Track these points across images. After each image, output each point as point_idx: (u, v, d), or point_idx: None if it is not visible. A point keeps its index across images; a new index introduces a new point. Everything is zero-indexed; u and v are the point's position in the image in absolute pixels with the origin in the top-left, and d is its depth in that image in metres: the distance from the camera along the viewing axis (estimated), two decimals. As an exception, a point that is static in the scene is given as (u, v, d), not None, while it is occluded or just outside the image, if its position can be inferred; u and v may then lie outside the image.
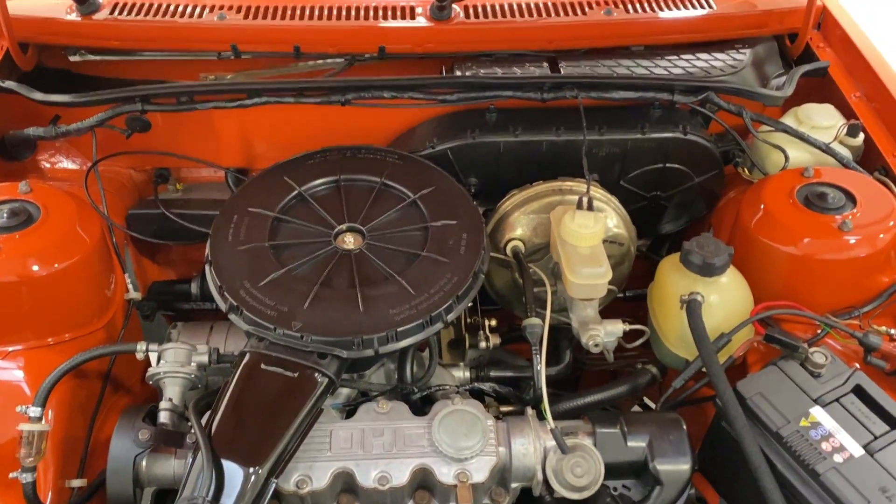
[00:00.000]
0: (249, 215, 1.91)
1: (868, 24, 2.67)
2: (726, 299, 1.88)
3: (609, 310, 2.08)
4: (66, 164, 2.49)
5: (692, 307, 1.80)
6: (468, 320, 2.19)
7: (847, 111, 2.30)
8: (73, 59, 2.38)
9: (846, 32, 2.46)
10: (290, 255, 1.84)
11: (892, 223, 1.90)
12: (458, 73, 2.30)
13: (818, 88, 2.45)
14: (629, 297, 2.31)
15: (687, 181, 2.29)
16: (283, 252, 1.85)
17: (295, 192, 1.98)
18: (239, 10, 2.38)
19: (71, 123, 2.17)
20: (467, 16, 2.39)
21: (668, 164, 2.23)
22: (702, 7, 2.45)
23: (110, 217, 2.14)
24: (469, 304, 1.80)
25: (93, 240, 1.95)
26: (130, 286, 2.13)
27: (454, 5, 2.36)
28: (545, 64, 2.34)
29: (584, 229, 1.89)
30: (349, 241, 1.87)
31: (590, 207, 1.91)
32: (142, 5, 2.38)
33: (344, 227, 1.90)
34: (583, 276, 1.86)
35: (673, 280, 1.92)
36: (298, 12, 2.38)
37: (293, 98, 2.15)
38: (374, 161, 2.09)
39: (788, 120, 2.29)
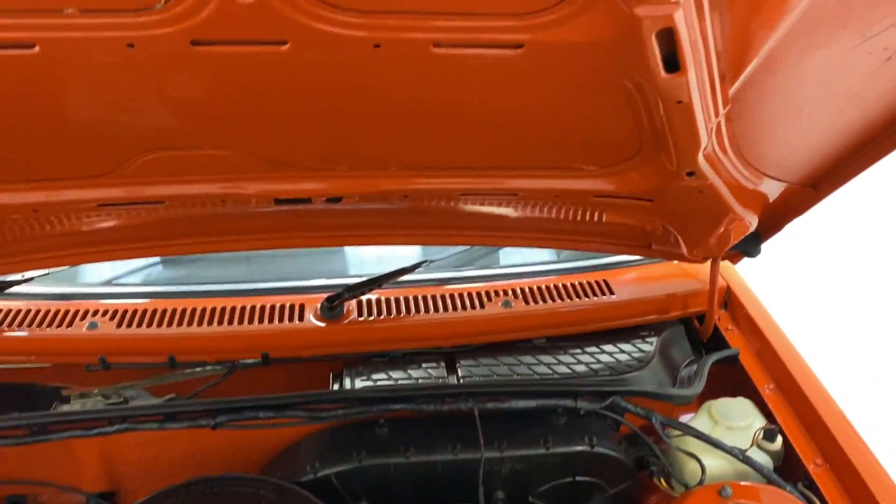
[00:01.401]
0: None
1: (776, 297, 2.66)
2: None
3: None
4: None
5: None
6: None
7: (762, 406, 2.18)
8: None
9: (751, 316, 2.41)
10: None
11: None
12: (347, 381, 2.14)
13: (731, 374, 2.35)
14: None
15: (601, 492, 2.09)
16: None
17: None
18: (113, 314, 2.24)
19: None
20: (360, 313, 2.28)
21: (577, 478, 2.04)
22: (603, 294, 2.40)
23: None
24: None
25: None
26: None
27: (346, 304, 2.26)
28: (442, 363, 2.21)
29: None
30: None
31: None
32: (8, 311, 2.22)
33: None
34: None
35: None
36: (177, 317, 2.23)
37: (158, 424, 1.94)
38: (244, 496, 1.85)
39: (703, 417, 2.15)
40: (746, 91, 1.51)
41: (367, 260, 2.75)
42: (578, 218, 2.23)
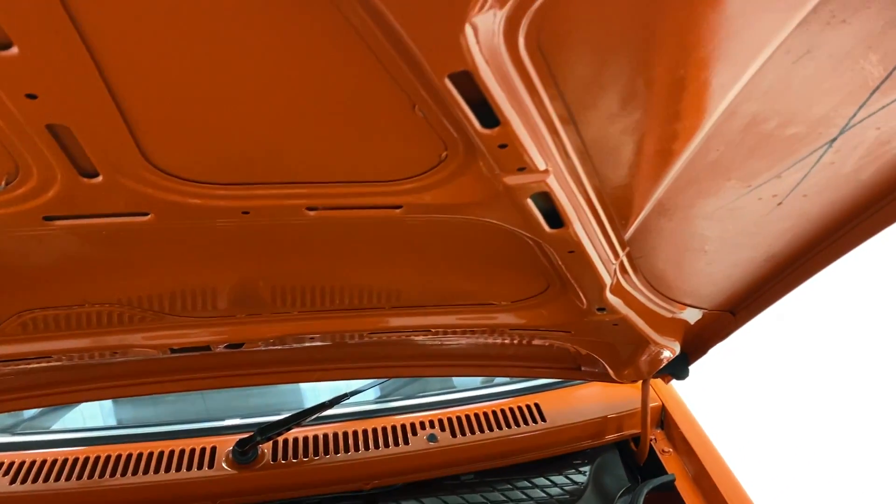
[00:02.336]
0: None
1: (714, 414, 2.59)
2: None
3: None
4: None
5: None
6: None
7: (700, 537, 2.08)
8: None
9: (687, 438, 2.33)
10: None
11: None
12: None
13: (667, 501, 2.25)
14: None
15: None
16: None
17: None
18: (7, 469, 2.08)
19: None
20: (274, 456, 2.15)
21: None
22: (535, 420, 2.31)
23: None
24: None
25: None
26: None
27: (259, 446, 2.13)
28: (363, 508, 2.08)
29: None
30: None
31: None
32: None
33: None
34: None
35: None
36: (77, 469, 2.08)
37: None
38: None
39: (639, 554, 2.04)
40: (644, 234, 1.47)
41: (287, 392, 2.63)
42: (504, 344, 2.16)
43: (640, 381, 2.28)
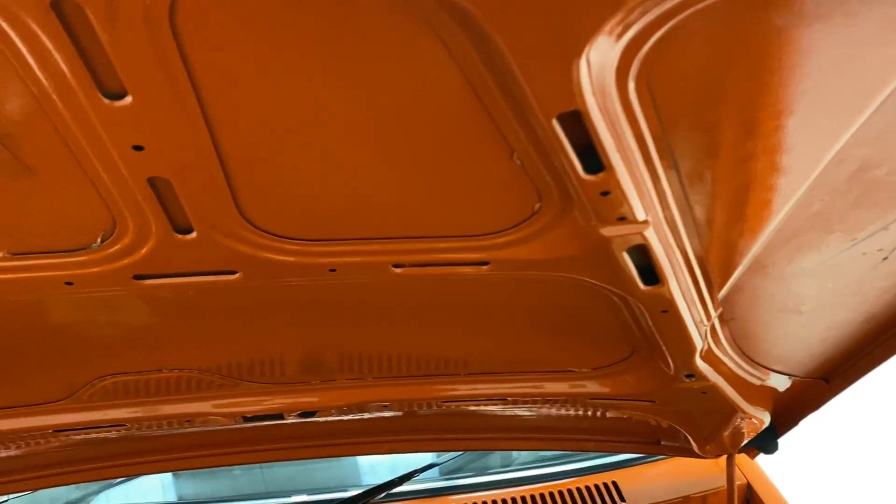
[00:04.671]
0: None
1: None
2: None
3: None
4: None
5: None
6: None
7: None
8: None
9: (777, 520, 2.19)
10: None
11: None
12: None
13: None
14: None
15: None
16: None
17: None
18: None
19: None
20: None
21: None
22: (613, 501, 2.19)
23: None
24: None
25: None
26: None
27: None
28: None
29: None
30: None
31: None
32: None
33: None
34: None
35: None
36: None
37: None
38: None
39: None
40: (738, 293, 1.41)
41: (344, 466, 2.57)
42: (579, 415, 2.07)
43: (725, 457, 2.15)
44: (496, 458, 2.56)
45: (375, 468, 2.67)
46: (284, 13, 0.71)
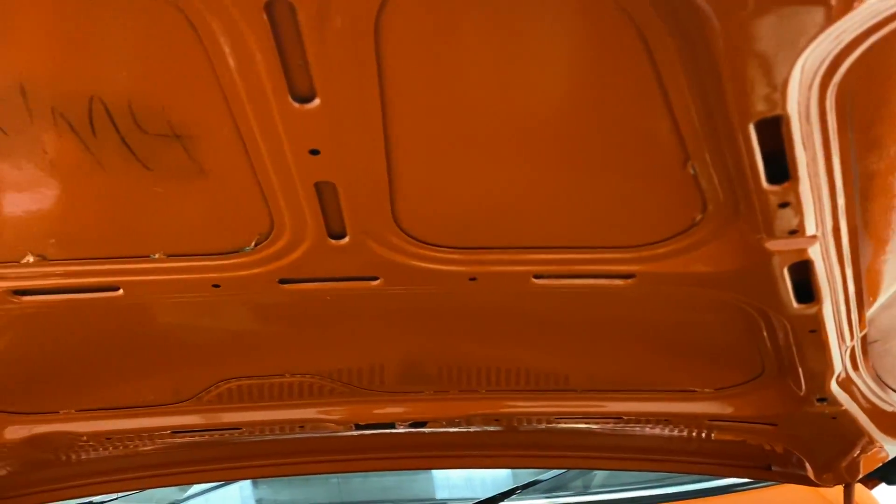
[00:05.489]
0: None
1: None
2: None
3: None
4: None
5: None
6: None
7: None
8: None
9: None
10: None
11: None
12: None
13: None
14: None
15: None
16: None
17: None
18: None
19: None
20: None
21: None
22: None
23: None
24: None
25: None
26: None
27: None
28: None
29: None
30: None
31: None
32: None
33: None
34: None
35: None
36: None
37: None
38: None
39: None
40: (885, 310, 1.34)
41: (453, 478, 2.55)
42: (687, 437, 2.01)
43: (842, 486, 2.05)
44: (588, 478, 2.50)
45: (451, 481, 2.65)
46: (494, 14, 0.70)
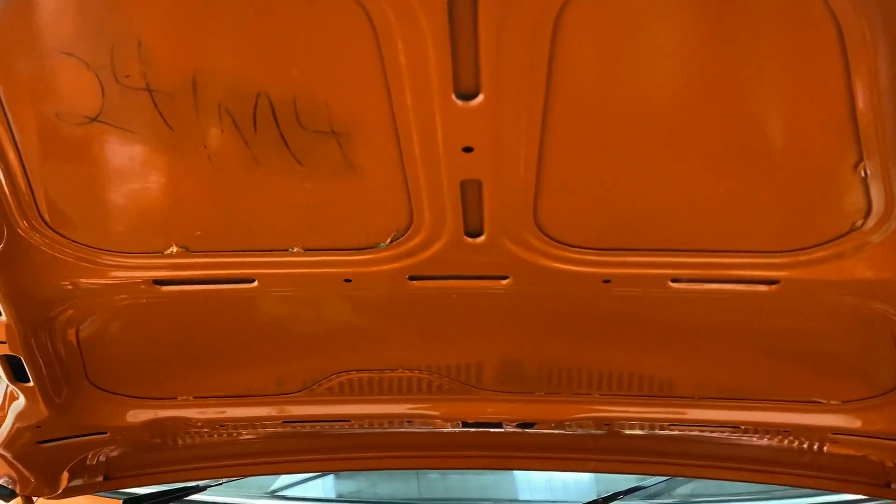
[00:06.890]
0: None
1: None
2: None
3: None
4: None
5: None
6: None
7: None
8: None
9: None
10: None
11: None
12: None
13: None
14: None
15: None
16: None
17: None
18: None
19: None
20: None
21: None
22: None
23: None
24: None
25: None
26: None
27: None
28: None
29: None
30: None
31: None
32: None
33: None
34: None
35: None
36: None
37: None
38: None
39: None
40: None
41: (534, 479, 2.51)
42: (799, 448, 1.92)
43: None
44: (690, 486, 2.43)
45: (532, 483, 2.61)
46: (683, 16, 0.67)
